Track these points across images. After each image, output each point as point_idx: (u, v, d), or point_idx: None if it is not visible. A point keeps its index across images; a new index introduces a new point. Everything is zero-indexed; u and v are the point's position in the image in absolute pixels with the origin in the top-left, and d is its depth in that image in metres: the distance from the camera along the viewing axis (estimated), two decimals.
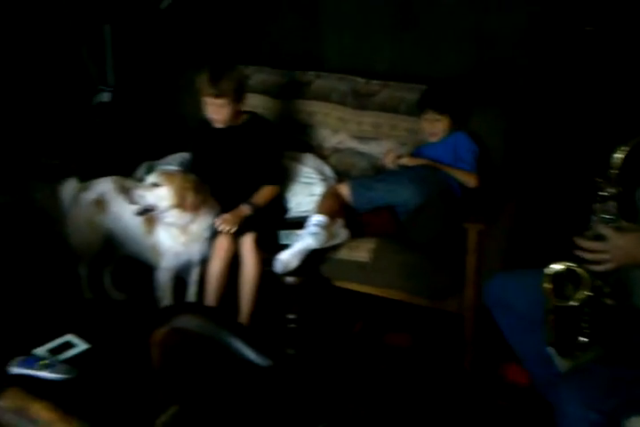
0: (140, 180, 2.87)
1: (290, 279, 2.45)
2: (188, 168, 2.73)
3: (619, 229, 1.59)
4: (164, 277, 2.61)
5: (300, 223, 2.53)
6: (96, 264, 2.84)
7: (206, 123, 2.76)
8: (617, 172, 1.63)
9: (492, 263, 2.48)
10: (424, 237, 2.49)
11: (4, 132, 2.96)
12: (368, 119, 2.95)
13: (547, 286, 1.70)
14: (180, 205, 2.48)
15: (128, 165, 2.98)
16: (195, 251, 2.60)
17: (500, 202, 2.60)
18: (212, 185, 2.61)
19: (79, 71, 3.19)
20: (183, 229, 2.54)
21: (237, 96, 2.64)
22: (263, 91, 3.11)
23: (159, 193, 2.45)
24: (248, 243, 2.52)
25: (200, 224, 2.57)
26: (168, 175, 2.51)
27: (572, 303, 1.68)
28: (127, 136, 3.16)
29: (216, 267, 2.57)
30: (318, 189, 2.78)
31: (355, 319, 2.78)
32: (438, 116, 2.64)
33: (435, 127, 2.66)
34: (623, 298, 1.70)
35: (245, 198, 2.64)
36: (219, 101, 2.59)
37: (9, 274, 2.64)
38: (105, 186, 2.71)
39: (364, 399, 2.32)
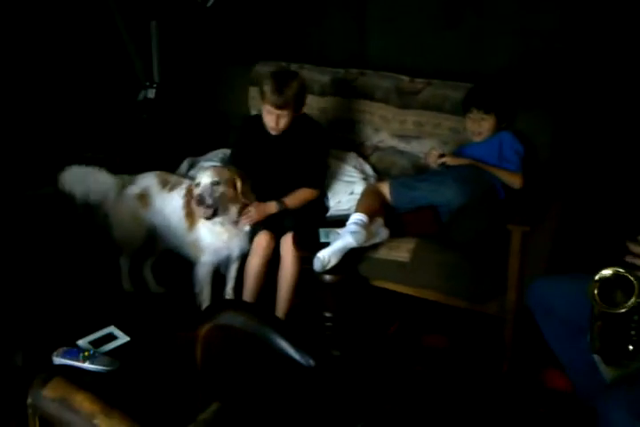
0: (185, 175, 2.90)
1: (328, 277, 2.44)
2: (229, 164, 2.74)
3: None
4: (203, 272, 2.63)
5: (340, 222, 2.52)
6: (137, 257, 2.88)
7: (252, 121, 2.76)
8: None
9: (536, 266, 2.43)
10: (466, 238, 2.45)
11: (52, 126, 3.02)
12: (411, 118, 2.92)
13: (594, 291, 1.65)
14: (237, 199, 2.49)
15: (171, 161, 3.01)
16: (235, 246, 2.61)
17: (546, 203, 2.55)
18: (253, 183, 2.61)
19: (126, 67, 3.23)
20: (228, 223, 2.55)
21: (298, 106, 2.62)
22: (307, 88, 3.10)
23: (220, 190, 2.45)
24: (288, 241, 2.53)
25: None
26: (221, 171, 2.50)
27: (620, 310, 1.63)
28: (170, 132, 3.20)
29: (255, 264, 2.58)
30: (359, 187, 2.76)
31: (391, 319, 2.76)
32: (484, 115, 2.60)
33: (480, 126, 2.62)
34: None
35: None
36: (280, 112, 2.57)
37: (53, 266, 2.69)
38: (148, 180, 2.74)
39: (400, 400, 2.30)
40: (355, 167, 2.90)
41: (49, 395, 1.26)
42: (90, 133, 3.08)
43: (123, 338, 1.90)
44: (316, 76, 3.11)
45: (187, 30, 3.38)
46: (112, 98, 3.21)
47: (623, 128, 2.74)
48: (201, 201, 2.42)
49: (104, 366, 1.73)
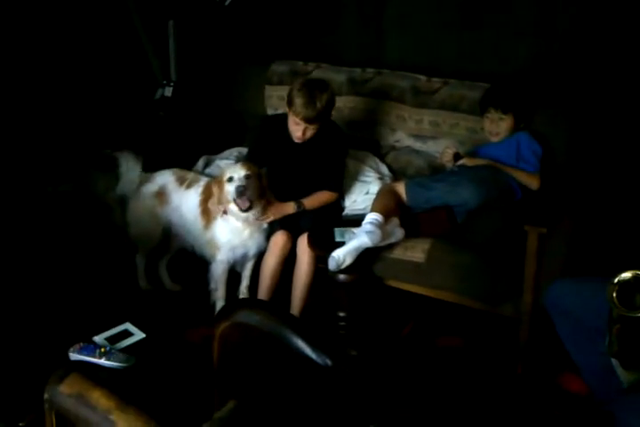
0: (201, 173, 2.90)
1: (342, 277, 2.44)
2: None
3: None
4: (219, 269, 2.64)
5: (355, 221, 2.51)
6: (153, 255, 2.90)
7: (272, 121, 2.75)
8: None
9: (552, 268, 2.41)
10: (482, 239, 2.44)
11: (71, 124, 3.04)
12: (427, 117, 2.91)
13: (613, 294, 1.63)
14: (263, 194, 2.50)
15: (187, 159, 3.02)
16: (253, 244, 2.61)
17: (564, 204, 2.53)
18: (270, 182, 2.61)
19: (143, 66, 3.25)
20: (247, 221, 2.55)
21: (327, 117, 2.60)
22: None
23: (253, 184, 2.46)
24: (304, 241, 2.53)
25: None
26: (250, 166, 2.50)
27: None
28: (187, 130, 3.21)
29: (271, 263, 2.58)
30: (374, 187, 2.75)
31: (406, 320, 2.75)
32: (502, 116, 2.58)
33: (497, 127, 2.60)
34: None
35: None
36: (309, 125, 2.54)
37: (70, 263, 2.71)
38: (166, 178, 2.75)
39: (413, 401, 2.29)
40: (370, 167, 2.89)
41: (65, 391, 1.26)
42: (108, 131, 3.10)
43: (138, 335, 1.92)
44: (333, 75, 3.10)
45: (204, 29, 3.39)
46: (130, 96, 3.23)
47: None
48: (242, 192, 2.42)
49: (120, 362, 1.74)
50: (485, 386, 2.37)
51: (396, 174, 2.95)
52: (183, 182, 2.72)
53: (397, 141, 3.01)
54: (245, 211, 2.46)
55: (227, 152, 3.12)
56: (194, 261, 2.79)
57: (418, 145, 2.96)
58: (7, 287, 2.38)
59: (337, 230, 2.53)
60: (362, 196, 2.79)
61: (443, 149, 2.74)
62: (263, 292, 2.62)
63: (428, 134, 2.92)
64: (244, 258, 2.68)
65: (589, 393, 2.06)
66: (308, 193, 2.66)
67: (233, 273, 2.72)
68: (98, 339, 1.90)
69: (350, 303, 2.51)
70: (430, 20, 3.07)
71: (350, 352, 2.47)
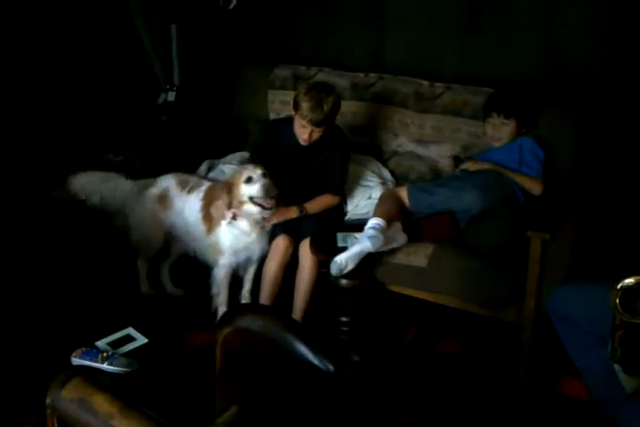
0: (203, 177, 2.90)
1: (345, 282, 2.44)
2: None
3: None
4: (221, 274, 2.63)
5: (357, 226, 2.51)
6: (154, 260, 2.90)
7: (277, 125, 2.76)
8: None
9: (555, 273, 2.41)
10: (485, 244, 2.43)
11: (73, 128, 3.05)
12: (430, 122, 2.91)
13: (616, 300, 1.63)
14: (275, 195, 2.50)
15: (190, 163, 3.02)
16: (257, 247, 2.61)
17: (567, 210, 2.52)
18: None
19: (146, 70, 3.26)
20: (255, 224, 2.55)
21: (333, 120, 2.61)
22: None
23: (267, 183, 2.45)
24: (307, 246, 2.53)
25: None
26: (261, 166, 2.50)
27: None
28: (190, 134, 3.21)
29: (272, 267, 2.58)
30: (377, 192, 2.75)
31: (408, 325, 2.74)
32: (504, 121, 2.59)
33: (500, 132, 2.61)
34: None
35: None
36: (316, 128, 2.55)
37: (72, 268, 2.71)
38: (168, 182, 2.75)
39: (414, 406, 2.28)
40: (373, 172, 2.89)
41: (68, 396, 1.26)
42: (110, 135, 3.10)
43: (141, 340, 1.92)
44: (335, 80, 3.10)
45: (207, 34, 3.40)
46: (132, 100, 3.24)
47: None
48: (268, 191, 2.43)
49: (122, 367, 1.74)
50: (487, 391, 2.37)
51: (399, 179, 2.95)
52: (185, 186, 2.72)
53: (400, 146, 3.01)
54: (269, 209, 2.46)
55: (229, 157, 3.12)
56: (196, 266, 2.79)
57: (420, 150, 2.96)
58: (10, 292, 2.38)
59: (339, 235, 2.53)
60: (364, 200, 2.79)
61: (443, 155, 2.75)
62: (265, 297, 2.62)
63: (430, 139, 2.92)
64: (248, 262, 2.68)
65: (591, 398, 2.06)
66: (310, 197, 2.67)
67: (235, 278, 2.72)
68: (100, 344, 1.90)
69: (353, 308, 2.50)
70: (433, 25, 3.07)
71: (353, 357, 2.46)
